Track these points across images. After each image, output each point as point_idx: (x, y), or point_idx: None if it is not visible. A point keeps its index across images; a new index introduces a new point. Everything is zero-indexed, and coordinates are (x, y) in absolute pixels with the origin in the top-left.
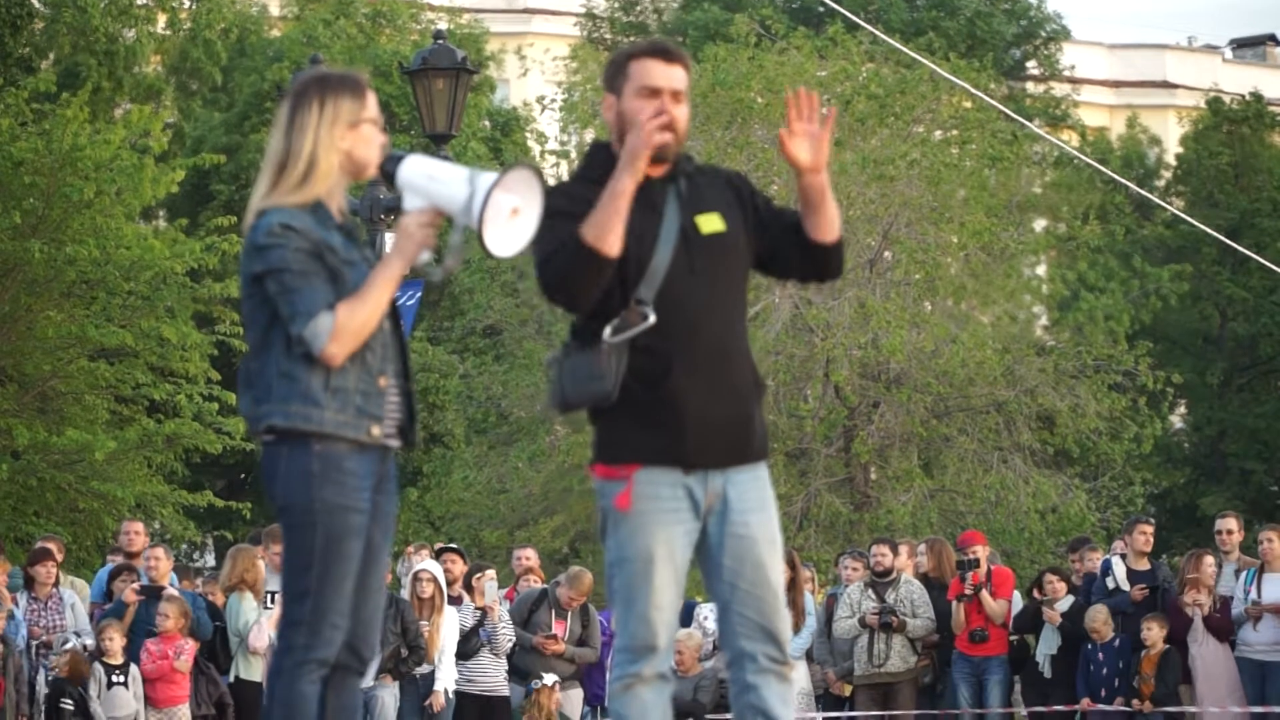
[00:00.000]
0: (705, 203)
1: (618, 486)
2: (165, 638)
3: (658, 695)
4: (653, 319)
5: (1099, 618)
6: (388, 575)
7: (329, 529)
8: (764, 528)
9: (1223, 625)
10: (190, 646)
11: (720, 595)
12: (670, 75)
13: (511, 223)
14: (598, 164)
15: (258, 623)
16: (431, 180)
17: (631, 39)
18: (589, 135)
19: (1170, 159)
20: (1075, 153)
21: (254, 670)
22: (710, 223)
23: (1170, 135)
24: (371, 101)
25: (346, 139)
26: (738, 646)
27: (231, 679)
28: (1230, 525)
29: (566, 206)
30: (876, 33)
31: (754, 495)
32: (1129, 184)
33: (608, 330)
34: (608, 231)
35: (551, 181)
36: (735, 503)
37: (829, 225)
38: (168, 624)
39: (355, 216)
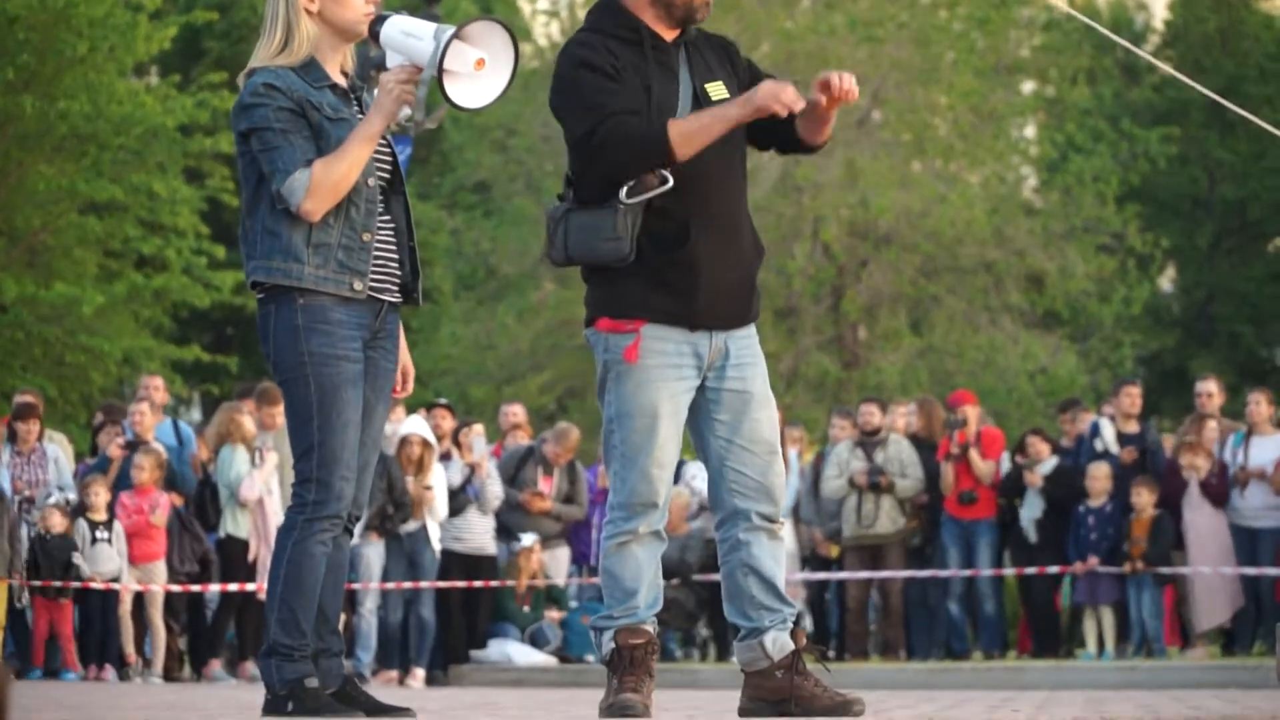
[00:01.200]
0: (709, 70)
1: (625, 340)
2: (140, 491)
3: (651, 554)
4: (671, 183)
5: (1100, 475)
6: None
7: (321, 379)
8: (758, 383)
9: (1219, 491)
10: (165, 500)
11: (715, 451)
12: None
13: (479, 75)
14: (613, 20)
15: (249, 475)
16: (407, 37)
17: None
18: None
19: (1158, 24)
20: (1069, 9)
21: (242, 527)
22: (717, 90)
23: (1157, 0)
24: None
25: (315, 1)
26: (731, 504)
27: (222, 534)
28: (1210, 388)
29: (599, 62)
30: None
31: (749, 351)
32: (1123, 42)
33: (624, 191)
34: (697, 148)
35: (543, 41)
36: (733, 358)
37: (825, 134)
38: (143, 476)
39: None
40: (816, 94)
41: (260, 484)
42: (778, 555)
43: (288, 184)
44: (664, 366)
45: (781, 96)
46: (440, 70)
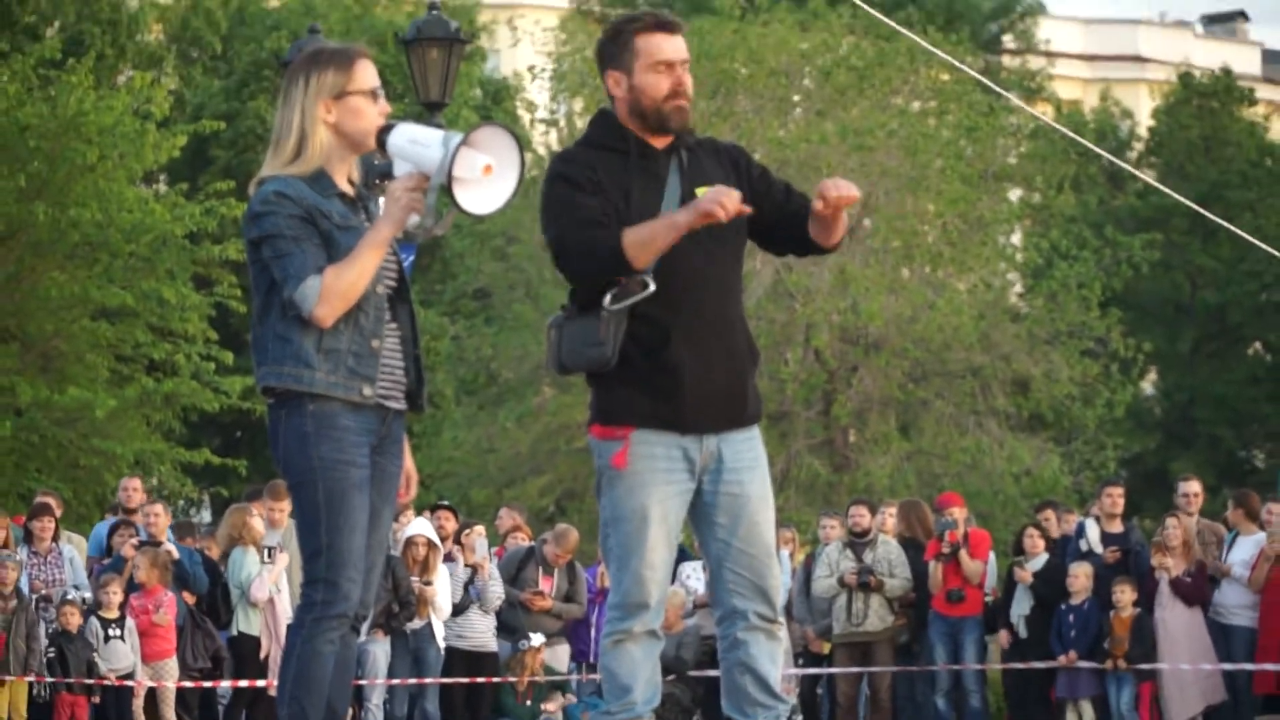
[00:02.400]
0: (704, 174)
1: (614, 446)
2: (147, 592)
3: (647, 652)
4: (652, 288)
5: (1080, 574)
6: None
7: (329, 484)
8: (757, 486)
9: (1192, 590)
10: (170, 599)
11: (714, 552)
12: (677, 46)
13: (487, 180)
14: (602, 131)
15: (259, 575)
16: (413, 144)
17: (620, 12)
18: (578, 104)
19: (1142, 131)
20: (1051, 123)
21: (253, 624)
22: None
23: (1142, 108)
24: (360, 73)
25: (332, 112)
26: (729, 604)
27: (234, 633)
28: (1193, 488)
29: (575, 175)
30: (859, 2)
31: (747, 455)
32: (1105, 154)
33: (607, 298)
34: (652, 254)
35: (541, 150)
36: (730, 461)
37: (837, 236)
38: (140, 575)
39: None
40: (816, 202)
41: (270, 584)
42: (774, 654)
43: (300, 290)
44: (654, 471)
45: (724, 203)
46: (450, 177)
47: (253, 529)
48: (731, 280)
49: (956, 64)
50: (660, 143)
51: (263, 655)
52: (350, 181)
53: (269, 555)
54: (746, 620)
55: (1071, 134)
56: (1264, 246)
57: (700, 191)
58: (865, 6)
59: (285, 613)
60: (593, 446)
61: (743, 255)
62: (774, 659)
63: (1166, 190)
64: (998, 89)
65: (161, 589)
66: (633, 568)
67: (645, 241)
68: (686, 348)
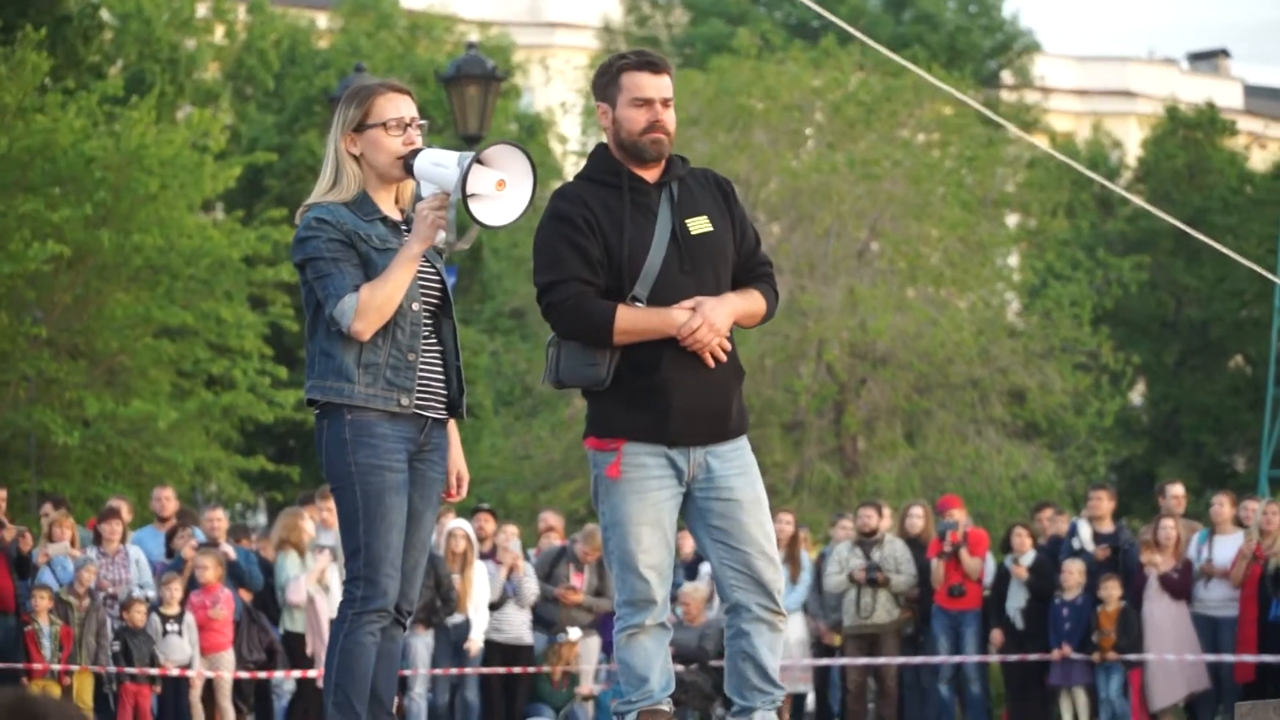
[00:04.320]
0: (696, 205)
1: (608, 457)
2: (205, 590)
3: (658, 642)
4: None
5: (1073, 570)
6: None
7: (366, 488)
8: (746, 490)
9: (1179, 585)
10: (226, 596)
11: (713, 553)
12: (659, 85)
13: (501, 194)
14: (597, 166)
15: (296, 579)
16: (435, 166)
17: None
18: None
19: (1131, 161)
20: (1049, 149)
21: (297, 623)
22: (699, 224)
23: (1131, 139)
24: (378, 107)
25: (356, 144)
26: (733, 598)
27: (281, 631)
28: (1177, 491)
29: (571, 214)
30: (867, 40)
31: (736, 462)
32: (1099, 178)
33: None
34: (636, 339)
35: (572, 179)
36: (718, 470)
37: (746, 325)
38: (206, 575)
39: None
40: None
41: (307, 587)
42: (774, 645)
43: (339, 307)
44: (644, 479)
45: (704, 336)
46: (465, 194)
47: (303, 531)
48: None
49: (960, 96)
50: (652, 175)
51: (309, 652)
52: (397, 206)
53: (314, 559)
54: (750, 612)
55: (1067, 159)
56: (1246, 262)
57: (691, 222)
58: (874, 44)
59: (325, 611)
60: (589, 457)
61: (729, 280)
62: (774, 649)
63: (1156, 212)
64: (998, 119)
65: (219, 586)
66: (634, 568)
67: (634, 333)
68: (676, 369)
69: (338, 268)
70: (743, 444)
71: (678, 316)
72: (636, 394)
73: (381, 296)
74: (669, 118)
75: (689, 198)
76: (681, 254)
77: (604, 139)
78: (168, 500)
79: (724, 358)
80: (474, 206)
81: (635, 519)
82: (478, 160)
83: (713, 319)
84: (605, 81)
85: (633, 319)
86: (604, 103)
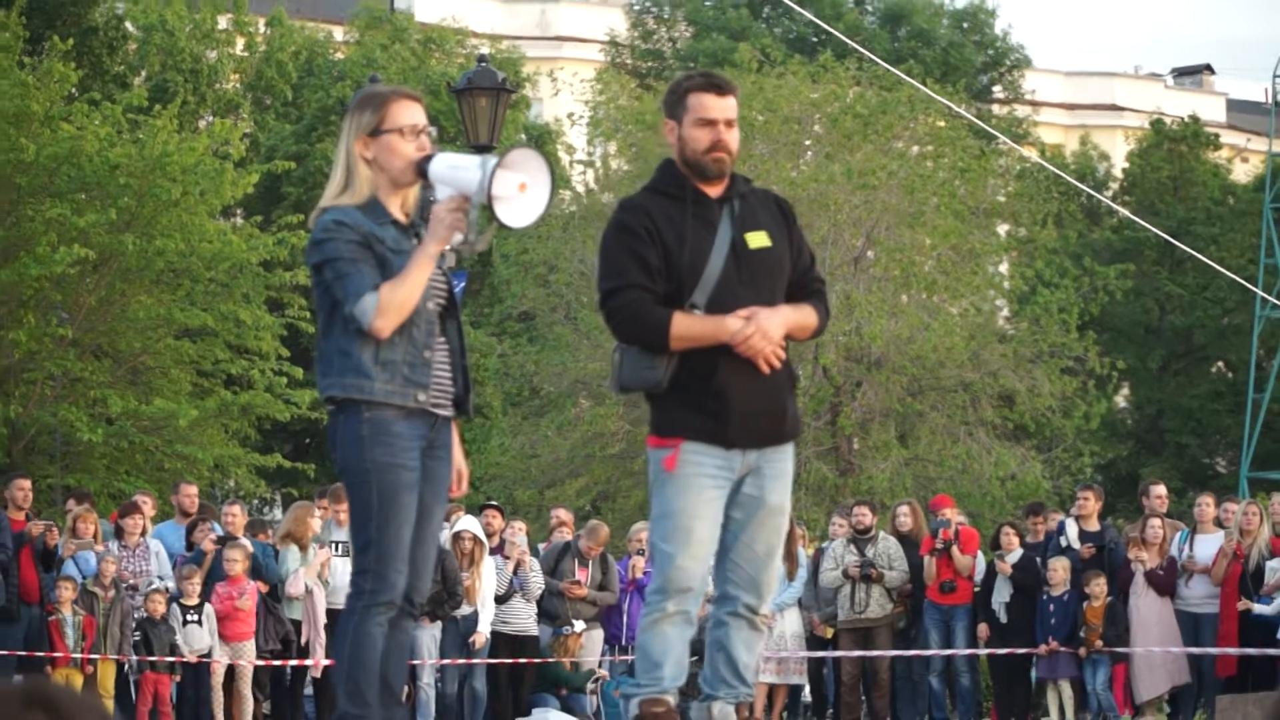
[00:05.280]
0: (755, 221)
1: (666, 452)
2: (232, 581)
3: (680, 633)
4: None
5: (1059, 567)
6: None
7: (381, 485)
8: (775, 495)
9: (1164, 581)
10: (252, 588)
11: (724, 541)
12: (724, 106)
13: (522, 196)
14: (664, 179)
15: (295, 572)
16: (454, 169)
17: (650, 66)
18: (611, 147)
19: (1117, 172)
20: (1041, 160)
21: (295, 614)
22: (758, 239)
23: (1118, 152)
24: (393, 113)
25: (370, 148)
26: (724, 589)
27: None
28: (1160, 491)
29: (634, 224)
30: (865, 53)
31: (778, 465)
32: (1087, 189)
33: None
34: (692, 345)
35: (579, 188)
36: (764, 469)
37: (799, 338)
38: (236, 568)
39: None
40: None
41: (308, 578)
42: (751, 644)
43: (359, 306)
44: (699, 475)
45: (758, 344)
46: (490, 195)
47: (308, 526)
48: None
49: (954, 108)
50: (714, 191)
51: (303, 641)
52: (405, 212)
53: (338, 550)
54: (734, 607)
55: (1057, 170)
56: (1227, 273)
57: (750, 236)
58: (871, 56)
59: (323, 604)
60: (649, 455)
61: (783, 297)
62: (750, 648)
63: (1141, 222)
64: (991, 130)
65: (244, 578)
66: (676, 557)
67: (690, 339)
68: (733, 374)
69: (356, 268)
70: (790, 449)
71: (732, 324)
72: (695, 397)
73: (402, 294)
74: (732, 137)
75: (750, 214)
76: (740, 266)
77: (669, 154)
78: (192, 496)
79: (778, 365)
80: (498, 209)
81: (685, 512)
82: (501, 165)
83: (766, 327)
84: (673, 100)
85: (689, 325)
86: (671, 120)
